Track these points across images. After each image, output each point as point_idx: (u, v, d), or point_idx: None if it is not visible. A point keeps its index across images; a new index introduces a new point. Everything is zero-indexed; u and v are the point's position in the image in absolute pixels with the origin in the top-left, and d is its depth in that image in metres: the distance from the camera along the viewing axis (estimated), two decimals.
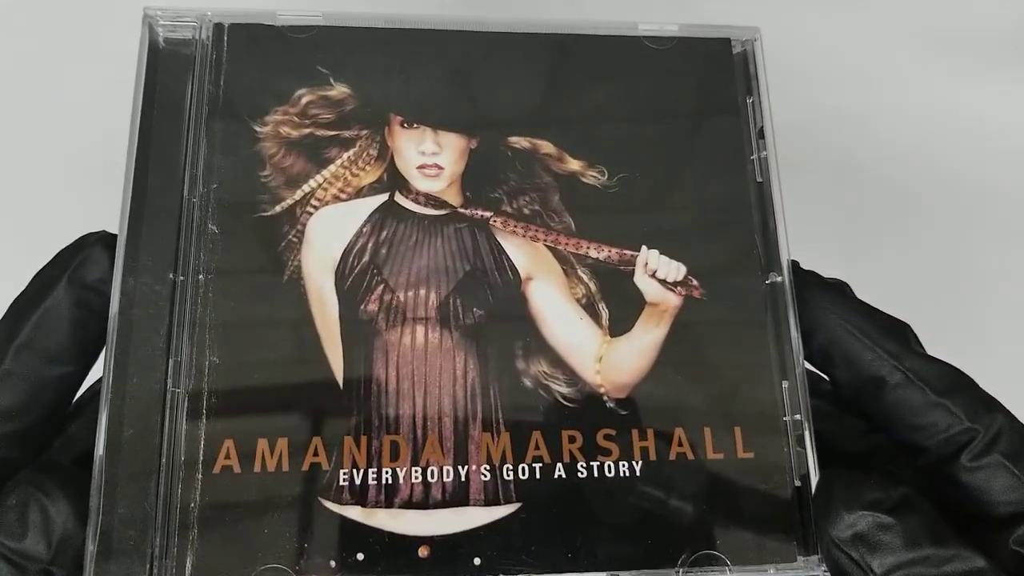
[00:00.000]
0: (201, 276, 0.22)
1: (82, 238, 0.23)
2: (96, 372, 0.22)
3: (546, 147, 0.25)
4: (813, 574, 0.22)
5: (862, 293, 0.24)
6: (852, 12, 0.42)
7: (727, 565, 0.22)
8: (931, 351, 0.23)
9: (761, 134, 0.26)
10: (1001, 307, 0.39)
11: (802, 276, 0.24)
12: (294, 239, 0.23)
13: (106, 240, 0.23)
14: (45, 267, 0.22)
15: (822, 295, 0.24)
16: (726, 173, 0.25)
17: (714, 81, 0.26)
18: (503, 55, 0.26)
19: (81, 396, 0.23)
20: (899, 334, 0.23)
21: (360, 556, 0.21)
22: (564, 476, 0.22)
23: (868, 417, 0.24)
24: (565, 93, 0.25)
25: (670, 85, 0.26)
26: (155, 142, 0.23)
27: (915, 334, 0.24)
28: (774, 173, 0.25)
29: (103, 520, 0.20)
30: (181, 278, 0.22)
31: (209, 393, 0.22)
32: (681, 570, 0.22)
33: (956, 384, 0.22)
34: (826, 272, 0.25)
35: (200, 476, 0.21)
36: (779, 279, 0.24)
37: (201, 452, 0.21)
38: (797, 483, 0.23)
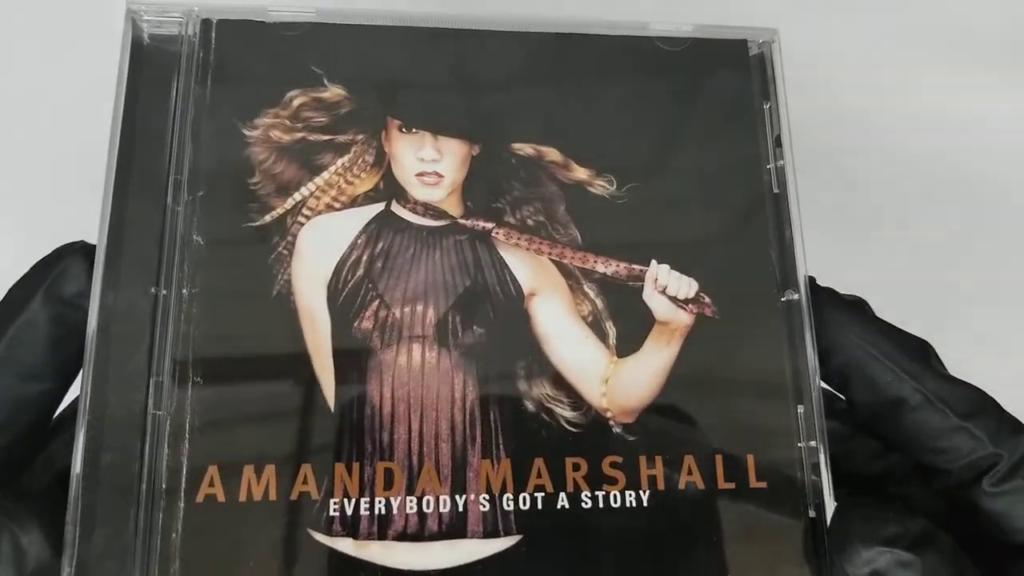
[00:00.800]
0: (185, 290, 0.21)
1: (59, 249, 0.22)
2: (78, 386, 0.21)
3: (552, 154, 0.24)
4: None
5: (866, 295, 0.24)
6: (856, 12, 0.41)
7: None
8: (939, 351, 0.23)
9: (778, 142, 0.24)
10: (1008, 308, 0.38)
11: (819, 294, 0.23)
12: (284, 251, 0.22)
13: (85, 251, 0.21)
14: (20, 280, 0.21)
15: (840, 314, 0.23)
16: (741, 183, 0.24)
17: (729, 85, 0.25)
18: (508, 56, 0.24)
19: (63, 411, 0.22)
20: (920, 354, 0.22)
21: None
22: (567, 506, 0.21)
23: (886, 439, 0.23)
24: (573, 97, 0.24)
25: (683, 89, 0.25)
26: (138, 145, 0.22)
27: (936, 353, 0.23)
28: (791, 184, 0.24)
29: (79, 551, 0.19)
30: (164, 292, 0.21)
31: (192, 415, 0.21)
32: None
33: (980, 406, 0.22)
34: (829, 278, 0.24)
35: (182, 504, 0.20)
36: (795, 296, 0.23)
37: (183, 479, 0.20)
38: (812, 514, 0.22)
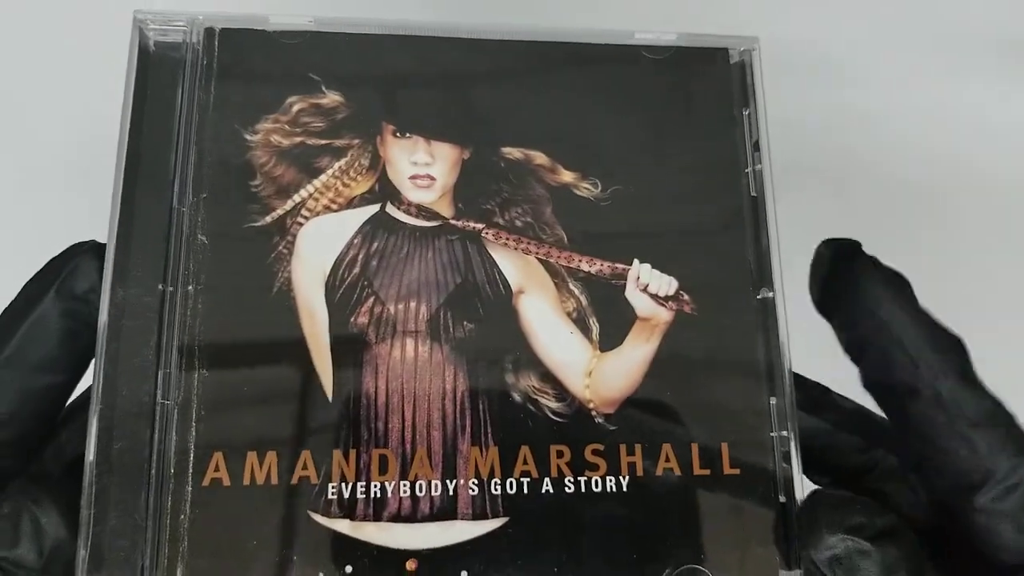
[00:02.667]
0: (190, 287, 0.22)
1: (71, 248, 0.23)
2: (88, 379, 0.22)
3: (539, 158, 0.25)
4: None
5: None
6: (851, 10, 0.41)
7: None
8: None
9: (757, 147, 0.25)
10: (1005, 308, 0.38)
11: (860, 260, 0.22)
12: (284, 250, 0.23)
13: (95, 250, 0.22)
14: (34, 278, 0.22)
15: (877, 287, 0.22)
16: (720, 186, 0.25)
17: (711, 92, 0.26)
18: (498, 63, 0.25)
19: (73, 402, 0.23)
20: (948, 350, 0.21)
21: (348, 569, 0.21)
22: (552, 491, 0.22)
23: (887, 416, 0.22)
24: (560, 103, 0.25)
25: (666, 96, 0.26)
26: (145, 149, 0.23)
27: (967, 353, 0.22)
28: (768, 187, 0.25)
29: (94, 531, 0.20)
30: (170, 289, 0.22)
31: (198, 405, 0.22)
32: None
33: (990, 418, 0.21)
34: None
35: (190, 488, 0.21)
36: (771, 294, 0.24)
37: (191, 464, 0.21)
38: (782, 499, 0.23)
